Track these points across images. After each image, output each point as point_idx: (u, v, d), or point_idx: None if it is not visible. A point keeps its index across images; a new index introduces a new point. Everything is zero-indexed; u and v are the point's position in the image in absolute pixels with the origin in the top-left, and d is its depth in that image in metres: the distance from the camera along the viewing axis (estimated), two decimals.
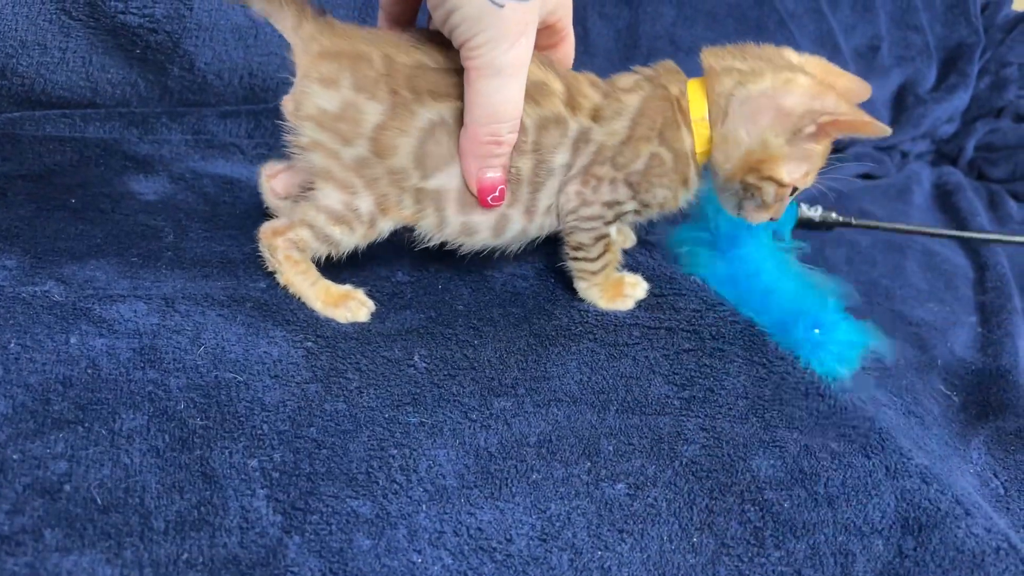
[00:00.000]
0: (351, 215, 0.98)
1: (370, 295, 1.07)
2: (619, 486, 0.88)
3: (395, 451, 0.88)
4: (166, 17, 1.29)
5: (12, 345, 0.88)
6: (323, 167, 0.97)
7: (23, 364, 0.86)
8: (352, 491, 0.83)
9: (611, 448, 0.91)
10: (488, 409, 0.94)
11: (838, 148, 2.17)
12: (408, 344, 1.01)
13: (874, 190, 2.06)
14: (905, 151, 2.33)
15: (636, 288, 1.10)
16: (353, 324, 1.02)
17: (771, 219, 1.02)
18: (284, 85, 1.43)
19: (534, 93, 0.95)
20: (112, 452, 0.80)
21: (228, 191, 1.26)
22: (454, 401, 0.95)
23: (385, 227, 1.01)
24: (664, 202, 1.02)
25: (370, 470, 0.85)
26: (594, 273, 1.07)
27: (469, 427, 0.92)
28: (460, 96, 0.93)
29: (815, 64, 0.98)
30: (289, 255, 1.01)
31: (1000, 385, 1.29)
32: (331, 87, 0.93)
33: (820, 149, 0.95)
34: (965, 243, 1.86)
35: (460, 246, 1.05)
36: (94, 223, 1.11)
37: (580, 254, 1.06)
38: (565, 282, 1.12)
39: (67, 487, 0.76)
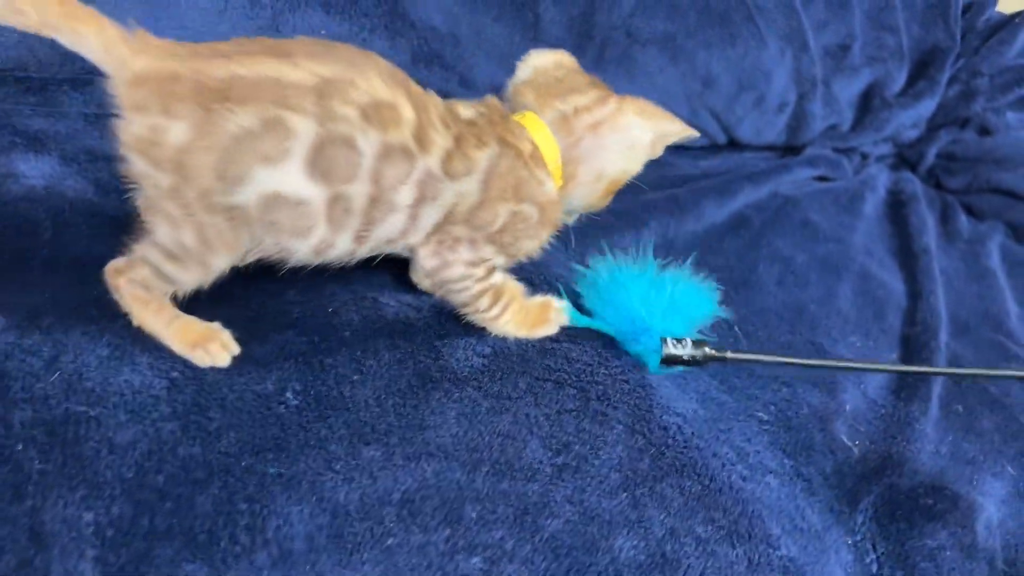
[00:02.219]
0: (180, 251, 0.90)
1: (254, 312, 1.02)
2: (475, 560, 0.86)
3: (244, 506, 0.84)
4: None
5: None
6: (150, 198, 0.88)
7: None
8: (190, 553, 0.80)
9: (474, 515, 0.89)
10: (355, 459, 0.91)
11: (795, 149, 2.12)
12: (283, 375, 0.97)
13: (824, 196, 2.02)
14: (865, 153, 2.29)
15: (561, 314, 1.09)
16: None
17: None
18: None
19: (380, 114, 0.86)
20: None
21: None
22: (320, 447, 0.91)
23: (217, 264, 0.92)
24: (531, 251, 1.03)
25: (214, 528, 0.82)
26: (496, 318, 1.04)
27: (331, 480, 0.89)
28: (272, 100, 0.83)
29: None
30: (136, 294, 0.94)
31: (905, 435, 1.28)
32: (142, 112, 0.84)
33: None
34: (905, 265, 1.84)
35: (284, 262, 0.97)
36: None
37: (469, 311, 1.03)
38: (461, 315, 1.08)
39: None
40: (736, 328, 1.38)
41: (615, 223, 1.49)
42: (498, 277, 1.02)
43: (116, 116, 0.86)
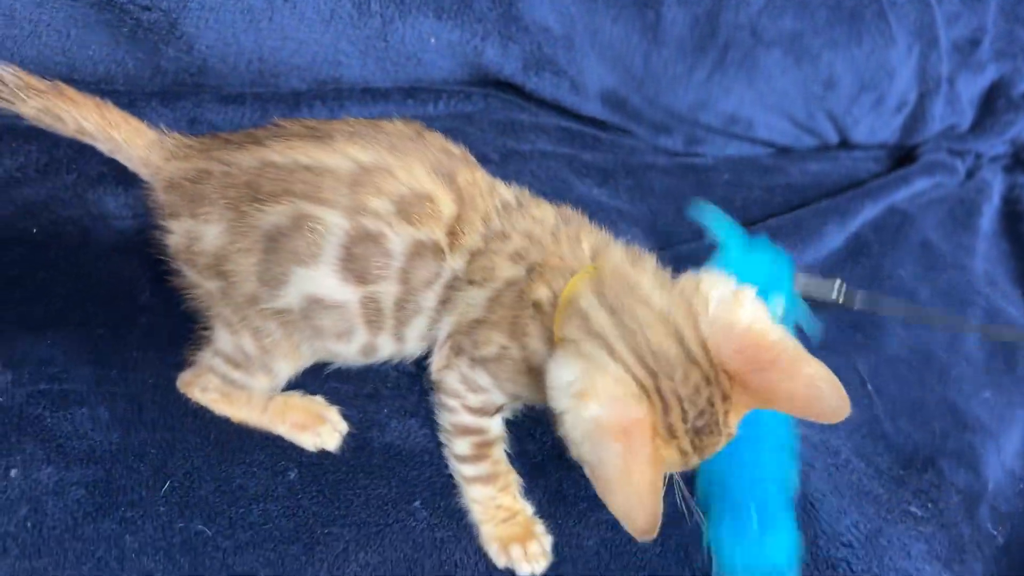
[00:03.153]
0: (243, 358, 0.83)
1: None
2: None
3: None
4: None
5: None
6: (205, 305, 0.82)
7: None
8: None
9: None
10: None
11: (905, 148, 1.96)
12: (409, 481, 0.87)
13: (939, 208, 1.86)
14: (979, 152, 2.12)
15: (539, 558, 0.83)
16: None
17: None
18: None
19: (415, 207, 0.75)
20: None
21: None
22: None
23: (282, 369, 0.84)
24: (530, 396, 0.79)
25: None
26: (469, 479, 0.85)
27: None
28: (302, 194, 0.74)
29: (748, 337, 0.66)
30: (215, 397, 0.87)
31: None
32: (176, 218, 0.78)
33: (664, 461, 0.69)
34: None
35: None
36: (56, 268, 0.94)
37: (445, 441, 0.85)
38: None
39: None
40: (869, 386, 1.27)
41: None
42: (495, 425, 0.84)
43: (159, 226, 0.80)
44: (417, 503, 0.86)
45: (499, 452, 0.85)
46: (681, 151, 1.64)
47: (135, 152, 0.80)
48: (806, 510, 0.93)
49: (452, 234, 0.76)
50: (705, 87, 1.59)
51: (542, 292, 0.74)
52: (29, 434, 0.79)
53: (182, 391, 0.88)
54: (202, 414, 0.87)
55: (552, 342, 0.72)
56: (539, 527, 0.85)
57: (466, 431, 0.83)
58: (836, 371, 1.10)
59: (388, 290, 0.77)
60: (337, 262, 0.75)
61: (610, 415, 0.64)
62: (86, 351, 0.88)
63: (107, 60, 1.09)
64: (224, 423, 0.87)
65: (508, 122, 1.41)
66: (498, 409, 0.83)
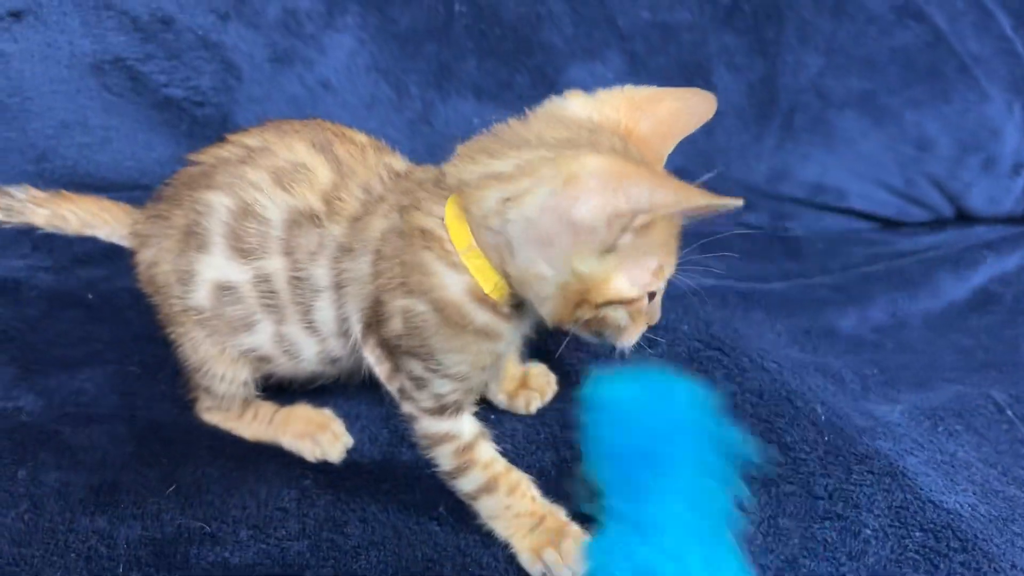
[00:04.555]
0: (195, 367, 0.84)
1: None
2: None
3: None
4: (213, 89, 1.18)
5: None
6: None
7: None
8: None
9: None
10: None
11: None
12: (432, 484, 0.79)
13: None
14: None
15: (572, 548, 0.73)
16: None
17: (648, 325, 0.70)
18: None
19: (291, 176, 0.75)
20: None
21: None
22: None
23: (228, 374, 0.83)
24: (471, 369, 0.72)
25: None
26: (472, 495, 0.75)
27: None
28: (201, 187, 0.79)
29: (614, 104, 0.70)
30: (224, 416, 0.87)
31: None
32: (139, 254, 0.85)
33: (661, 232, 0.63)
34: None
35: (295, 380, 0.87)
36: (104, 322, 0.99)
37: (441, 474, 0.76)
38: None
39: None
40: (1009, 411, 1.10)
41: (832, 297, 1.25)
42: (468, 429, 0.75)
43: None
44: (441, 508, 0.78)
45: (486, 453, 0.76)
46: (767, 226, 1.57)
47: (124, 230, 0.88)
48: (897, 478, 0.77)
49: (328, 202, 0.74)
50: (778, 155, 1.55)
51: (426, 220, 0.68)
52: (46, 446, 0.80)
53: (201, 417, 0.88)
54: (221, 435, 0.86)
55: (458, 266, 0.67)
56: (574, 526, 0.74)
57: (437, 440, 0.75)
58: (969, 400, 0.98)
59: (275, 264, 0.76)
60: (225, 241, 0.77)
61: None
62: (117, 385, 0.90)
63: (171, 159, 1.19)
64: (243, 442, 0.85)
65: None
66: (456, 404, 0.74)
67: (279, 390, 0.88)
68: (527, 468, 0.82)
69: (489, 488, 0.75)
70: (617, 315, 0.66)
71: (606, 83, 1.37)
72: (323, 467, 0.83)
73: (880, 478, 0.75)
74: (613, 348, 0.69)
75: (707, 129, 1.40)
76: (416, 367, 0.71)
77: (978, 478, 0.88)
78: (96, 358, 0.93)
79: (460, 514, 0.77)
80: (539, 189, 0.61)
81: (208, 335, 0.81)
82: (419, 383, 0.72)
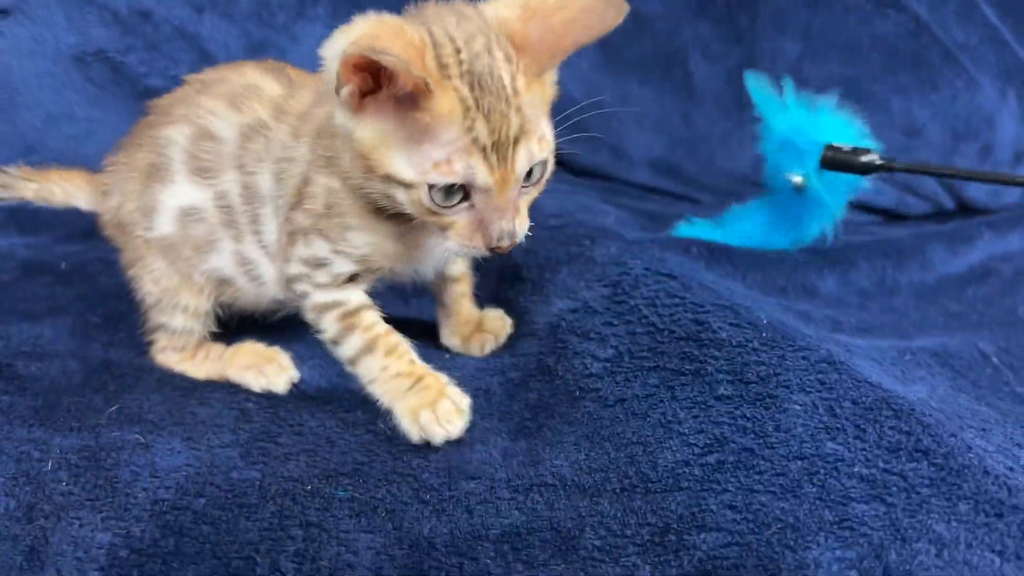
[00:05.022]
0: (154, 300, 0.87)
1: None
2: None
3: (299, 532, 0.65)
4: None
5: None
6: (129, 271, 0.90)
7: None
8: None
9: (597, 543, 0.64)
10: (451, 490, 0.70)
11: None
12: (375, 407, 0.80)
13: None
14: None
15: (459, 414, 0.75)
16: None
17: (491, 251, 0.68)
18: None
19: (243, 97, 0.80)
20: None
21: None
22: (410, 476, 0.72)
23: (192, 304, 0.86)
24: (376, 253, 0.75)
25: (254, 554, 0.63)
26: (352, 359, 0.77)
27: (416, 510, 0.68)
28: (159, 124, 0.84)
29: (513, 5, 0.68)
30: (178, 358, 0.88)
31: None
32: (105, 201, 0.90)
33: (437, 116, 0.62)
34: None
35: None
36: (72, 285, 1.02)
37: (329, 346, 0.79)
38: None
39: None
40: (995, 359, 1.06)
41: (810, 260, 1.23)
42: (352, 296, 0.77)
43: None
44: (381, 424, 0.78)
45: (369, 318, 0.78)
46: None
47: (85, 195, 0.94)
48: (832, 364, 0.75)
49: (277, 107, 0.78)
50: None
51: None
52: None
53: (155, 359, 0.89)
54: (172, 374, 0.87)
55: None
56: (453, 388, 0.76)
57: (324, 308, 0.77)
58: (953, 346, 0.96)
59: (230, 180, 0.80)
60: (186, 167, 0.81)
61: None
62: (76, 332, 0.92)
63: None
64: (193, 380, 0.86)
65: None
66: (351, 278, 0.77)
67: (240, 330, 0.90)
68: (474, 391, 0.82)
69: (369, 348, 0.76)
70: (401, 198, 0.67)
71: (581, 75, 1.40)
72: (268, 395, 0.83)
73: (815, 364, 0.73)
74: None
75: (685, 116, 1.44)
76: (322, 248, 0.74)
77: (941, 392, 0.86)
78: (60, 312, 0.95)
79: (397, 431, 0.77)
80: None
81: (171, 263, 0.84)
82: (319, 264, 0.75)
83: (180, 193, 0.82)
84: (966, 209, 1.75)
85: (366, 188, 0.69)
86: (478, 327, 0.93)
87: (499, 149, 0.64)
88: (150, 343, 0.89)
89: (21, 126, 1.19)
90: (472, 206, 0.67)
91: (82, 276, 1.04)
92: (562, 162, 1.36)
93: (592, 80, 1.46)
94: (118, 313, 0.95)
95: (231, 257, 0.82)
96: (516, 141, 0.64)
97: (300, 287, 0.77)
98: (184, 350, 0.88)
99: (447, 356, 0.92)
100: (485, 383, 0.86)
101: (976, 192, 1.71)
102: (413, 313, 0.98)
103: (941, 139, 1.68)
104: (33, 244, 1.12)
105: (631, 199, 1.42)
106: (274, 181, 0.77)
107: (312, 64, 1.31)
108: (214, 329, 0.88)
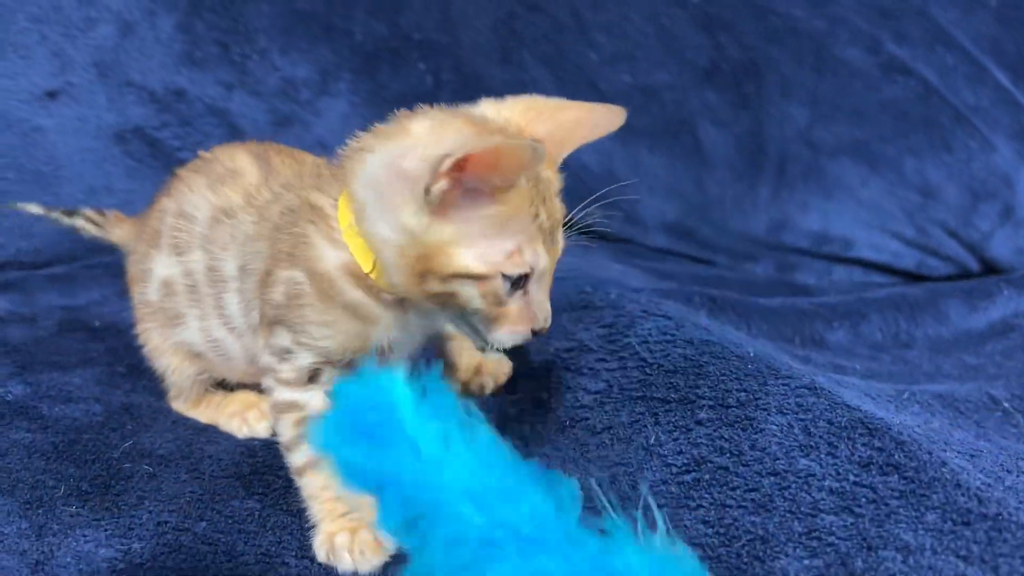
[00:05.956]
0: (153, 358, 0.92)
1: None
2: None
3: (293, 560, 0.69)
4: None
5: None
6: None
7: None
8: None
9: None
10: None
11: None
12: None
13: None
14: None
15: (367, 540, 0.70)
16: None
17: (534, 333, 0.68)
18: None
19: (221, 181, 0.83)
20: None
21: None
22: None
23: (173, 366, 0.90)
24: (338, 347, 0.72)
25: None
26: (298, 470, 0.74)
27: None
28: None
29: (515, 108, 0.71)
30: (185, 406, 0.93)
31: None
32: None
33: (510, 208, 0.64)
34: None
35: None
36: (104, 340, 1.08)
37: (281, 448, 0.76)
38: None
39: None
40: (1006, 404, 1.05)
41: (819, 312, 1.25)
42: (314, 403, 0.75)
43: None
44: None
45: None
46: (775, 279, 1.58)
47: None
48: (814, 390, 0.76)
49: (248, 196, 0.81)
50: (775, 205, 1.58)
51: (319, 198, 0.73)
52: (21, 415, 0.87)
53: (170, 405, 0.94)
54: (186, 418, 0.92)
55: (338, 243, 0.70)
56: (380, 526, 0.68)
57: (284, 408, 0.75)
58: (962, 391, 0.96)
59: (197, 259, 0.82)
60: (168, 241, 0.85)
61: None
62: (102, 379, 0.98)
63: None
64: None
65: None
66: (312, 375, 0.74)
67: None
68: None
69: (315, 465, 0.73)
70: (468, 292, 0.66)
71: (593, 145, 1.46)
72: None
73: (796, 389, 0.75)
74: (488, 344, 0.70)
75: (697, 182, 1.48)
76: (285, 339, 0.73)
77: (935, 425, 0.86)
78: (88, 363, 1.01)
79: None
80: (382, 148, 0.66)
81: (156, 331, 0.89)
82: (284, 355, 0.74)
83: (163, 263, 0.86)
84: (991, 270, 1.75)
85: (409, 290, 0.68)
86: (477, 371, 0.96)
87: (553, 233, 0.68)
88: (165, 390, 0.93)
89: (64, 198, 1.27)
90: (525, 292, 0.68)
91: (113, 332, 1.10)
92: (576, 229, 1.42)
93: (604, 149, 1.52)
94: (143, 364, 1.00)
95: (197, 331, 0.85)
96: (558, 224, 0.69)
97: (267, 381, 0.77)
98: (188, 400, 0.92)
99: None
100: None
101: (1001, 252, 1.71)
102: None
103: (959, 200, 1.68)
104: (73, 306, 1.19)
105: (645, 259, 1.46)
106: (238, 269, 0.79)
107: (333, 135, 1.39)
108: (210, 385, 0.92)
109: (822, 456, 0.67)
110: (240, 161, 0.85)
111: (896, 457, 0.66)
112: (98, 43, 1.29)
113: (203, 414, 0.92)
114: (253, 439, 0.87)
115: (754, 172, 1.57)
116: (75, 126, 1.30)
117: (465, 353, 0.95)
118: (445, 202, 0.62)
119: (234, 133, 1.33)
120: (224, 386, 0.92)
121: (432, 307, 0.69)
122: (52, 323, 1.13)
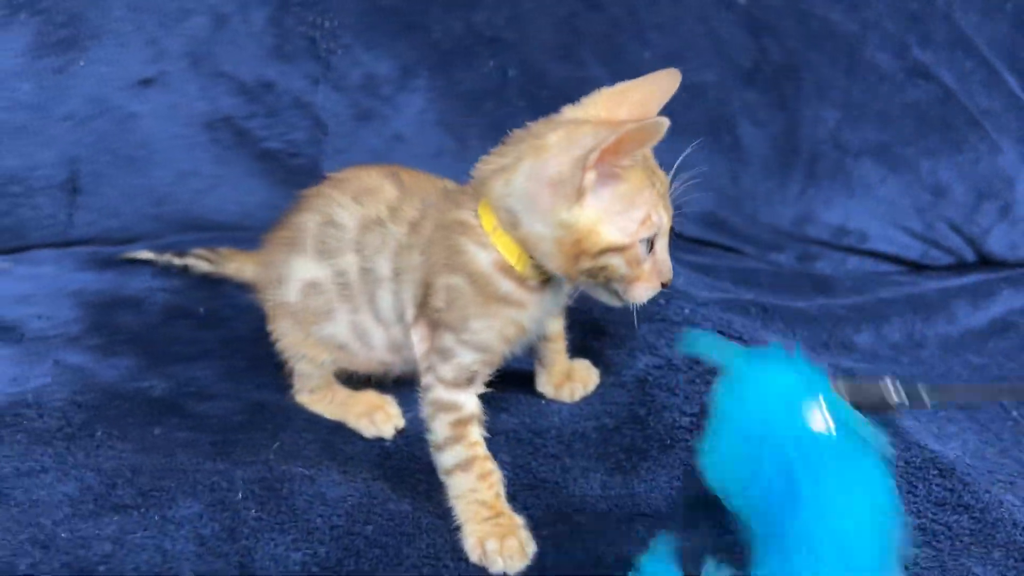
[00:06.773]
0: (291, 354, 1.02)
1: None
2: None
3: (450, 562, 0.80)
4: (305, 142, 1.39)
5: (99, 433, 0.92)
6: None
7: (103, 451, 0.89)
8: None
9: None
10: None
11: None
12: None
13: None
14: None
15: (514, 546, 0.80)
16: None
17: (662, 286, 0.81)
18: None
19: (365, 195, 0.94)
20: (157, 538, 0.79)
21: None
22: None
23: (316, 357, 1.00)
24: (495, 337, 0.85)
25: None
26: (447, 469, 0.84)
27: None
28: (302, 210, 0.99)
29: (595, 102, 0.84)
30: (309, 399, 1.03)
31: None
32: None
33: (634, 182, 0.77)
34: None
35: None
36: (212, 329, 1.17)
37: (431, 447, 0.86)
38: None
39: (102, 568, 0.75)
40: (1015, 412, 1.19)
41: (849, 316, 1.38)
42: (470, 406, 0.86)
43: None
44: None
45: (476, 433, 0.86)
46: (796, 267, 1.71)
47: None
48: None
49: (393, 210, 0.92)
50: (802, 200, 1.70)
51: (462, 214, 0.86)
52: (173, 413, 0.97)
53: (295, 399, 1.04)
54: (314, 414, 1.02)
55: (487, 245, 0.84)
56: (524, 531, 0.82)
57: (442, 408, 0.85)
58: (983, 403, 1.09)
59: (349, 261, 0.93)
60: (313, 248, 0.95)
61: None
62: (226, 375, 1.07)
63: (268, 203, 1.39)
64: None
65: None
66: (471, 378, 0.86)
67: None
68: (570, 435, 0.97)
69: (465, 466, 0.84)
70: (616, 262, 0.78)
71: None
72: (401, 434, 0.98)
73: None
74: (629, 307, 0.82)
75: (733, 176, 1.59)
76: (448, 339, 0.85)
77: (971, 446, 1.00)
78: (208, 355, 1.10)
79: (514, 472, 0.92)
80: (522, 165, 0.79)
81: (295, 328, 0.99)
82: (446, 355, 0.86)
83: (307, 267, 0.96)
84: (986, 262, 1.89)
85: (572, 273, 0.80)
86: (568, 376, 1.07)
87: (664, 196, 0.80)
88: (289, 384, 1.03)
89: (155, 180, 1.34)
90: (652, 252, 0.80)
91: (218, 320, 1.19)
92: None
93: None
94: (258, 358, 1.09)
95: (347, 325, 0.96)
96: (667, 188, 0.81)
97: (427, 379, 0.87)
98: (314, 392, 1.03)
99: (543, 401, 1.07)
100: (581, 427, 1.00)
101: (997, 247, 1.85)
102: (513, 364, 1.13)
103: (965, 198, 1.81)
104: (168, 288, 1.26)
105: (684, 251, 1.57)
106: (391, 271, 0.91)
107: (410, 129, 1.46)
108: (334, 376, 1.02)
109: (904, 494, 0.80)
110: (374, 180, 0.96)
111: (965, 498, 0.80)
112: (192, 34, 1.34)
113: (327, 409, 1.02)
114: (381, 439, 0.97)
115: (786, 170, 1.68)
116: (167, 113, 1.36)
117: (560, 358, 1.06)
118: (586, 191, 0.75)
119: (317, 125, 1.40)
120: (345, 380, 1.03)
121: (581, 281, 0.82)
122: (156, 308, 1.21)
